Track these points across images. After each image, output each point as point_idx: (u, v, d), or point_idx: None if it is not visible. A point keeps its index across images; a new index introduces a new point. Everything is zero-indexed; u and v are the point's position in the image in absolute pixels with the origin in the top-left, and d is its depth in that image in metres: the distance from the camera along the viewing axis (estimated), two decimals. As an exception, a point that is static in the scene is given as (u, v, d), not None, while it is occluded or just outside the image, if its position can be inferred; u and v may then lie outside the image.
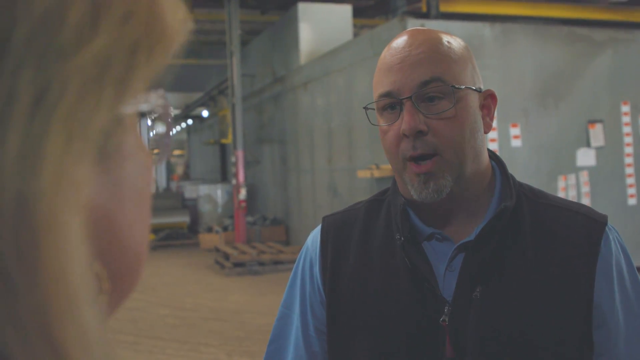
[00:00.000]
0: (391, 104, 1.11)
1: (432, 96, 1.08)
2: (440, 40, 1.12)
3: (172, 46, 0.36)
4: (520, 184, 1.19)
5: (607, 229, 1.12)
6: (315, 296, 1.24)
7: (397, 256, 1.16)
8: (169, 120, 0.42)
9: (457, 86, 1.08)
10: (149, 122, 0.41)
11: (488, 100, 1.17)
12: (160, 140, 0.42)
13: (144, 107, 0.39)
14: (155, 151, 0.42)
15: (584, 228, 1.12)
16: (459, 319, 1.09)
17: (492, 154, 1.21)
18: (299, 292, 1.27)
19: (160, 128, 0.42)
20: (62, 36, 0.29)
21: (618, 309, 1.10)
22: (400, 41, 1.13)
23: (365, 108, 1.18)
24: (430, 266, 1.12)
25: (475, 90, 1.13)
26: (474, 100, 1.12)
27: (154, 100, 0.39)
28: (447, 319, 1.09)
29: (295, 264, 1.30)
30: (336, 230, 1.26)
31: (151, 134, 0.41)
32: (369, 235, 1.22)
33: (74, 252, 0.30)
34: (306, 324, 1.24)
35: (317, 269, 1.24)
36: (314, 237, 1.29)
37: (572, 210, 1.15)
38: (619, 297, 1.10)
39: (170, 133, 0.43)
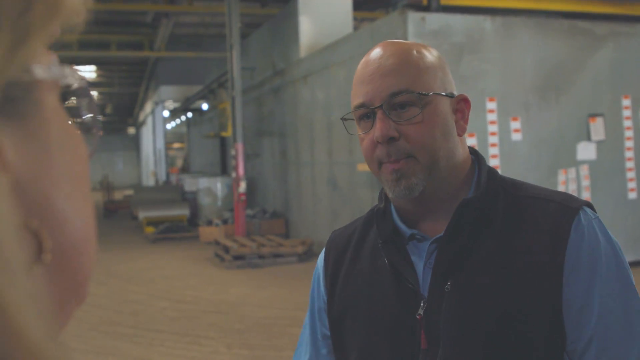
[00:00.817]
0: (366, 114, 1.17)
1: (403, 104, 1.14)
2: (409, 51, 1.18)
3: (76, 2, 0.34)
4: (503, 178, 1.23)
5: (581, 213, 1.13)
6: (321, 303, 1.35)
7: (382, 258, 1.24)
8: (93, 102, 0.39)
9: (423, 93, 1.14)
10: (72, 98, 0.38)
11: (461, 104, 1.22)
12: (88, 124, 0.39)
13: (62, 78, 0.36)
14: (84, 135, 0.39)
15: (554, 215, 1.13)
16: (433, 312, 1.14)
17: (472, 150, 1.26)
18: (310, 301, 1.38)
19: (85, 109, 0.39)
20: None
21: (592, 294, 1.09)
22: (372, 54, 1.20)
23: (343, 119, 1.24)
24: (411, 265, 1.19)
25: (445, 95, 1.18)
26: (445, 105, 1.17)
27: (70, 73, 0.37)
28: (422, 312, 1.15)
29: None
30: (338, 241, 1.36)
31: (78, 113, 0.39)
32: (363, 242, 1.31)
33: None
34: (314, 330, 1.36)
35: (321, 278, 1.35)
36: (323, 250, 1.39)
37: (545, 199, 1.17)
38: (592, 283, 1.09)
39: (96, 110, 0.40)
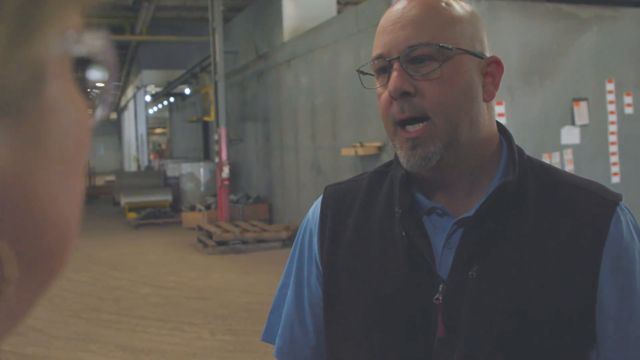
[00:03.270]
0: (383, 66, 1.08)
1: (422, 57, 1.05)
2: (437, 2, 1.08)
3: None
4: (530, 159, 1.14)
5: (618, 209, 1.06)
6: (312, 268, 1.22)
7: (395, 230, 1.12)
8: (111, 67, 0.34)
9: (444, 46, 1.04)
10: (88, 70, 0.33)
11: (492, 67, 1.11)
12: (100, 93, 0.34)
13: (79, 49, 0.31)
14: (94, 106, 0.34)
15: (593, 207, 1.06)
16: (453, 299, 1.05)
17: (499, 126, 1.17)
18: (296, 262, 1.25)
19: (100, 77, 0.34)
20: None
21: (622, 295, 1.03)
22: (398, 4, 1.10)
23: (359, 71, 1.15)
24: (428, 242, 1.08)
25: (473, 54, 1.08)
26: (471, 65, 1.07)
27: (91, 41, 0.32)
28: (440, 298, 1.05)
29: (297, 234, 1.28)
30: (337, 201, 1.22)
31: (89, 84, 0.34)
32: (369, 207, 1.18)
33: None
34: (300, 296, 1.24)
35: (315, 240, 1.22)
36: (314, 208, 1.26)
37: (582, 188, 1.09)
38: (630, 284, 1.04)
39: (112, 83, 0.35)
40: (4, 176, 0.27)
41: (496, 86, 1.11)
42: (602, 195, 1.08)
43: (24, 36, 0.25)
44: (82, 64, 0.32)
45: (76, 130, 0.31)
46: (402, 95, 1.04)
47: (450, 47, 1.05)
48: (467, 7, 1.11)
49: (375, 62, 1.09)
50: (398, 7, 1.09)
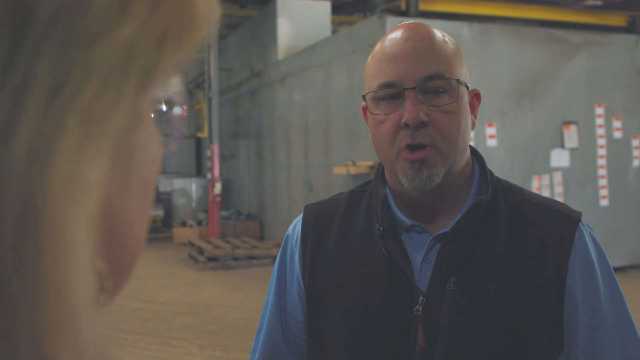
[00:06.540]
0: (391, 94, 1.12)
1: (436, 89, 1.10)
2: (440, 36, 1.15)
3: (201, 34, 0.33)
4: (498, 179, 1.22)
5: (580, 225, 1.15)
6: (294, 285, 1.26)
7: (375, 246, 1.18)
8: (184, 107, 0.39)
9: (460, 81, 1.12)
10: (164, 110, 0.39)
11: (474, 99, 1.20)
12: (173, 129, 0.40)
13: (161, 95, 0.36)
14: (166, 139, 0.40)
15: (558, 224, 1.14)
16: (432, 310, 1.11)
17: (471, 149, 1.24)
18: (276, 280, 1.29)
19: (173, 115, 0.39)
20: (88, 20, 0.26)
21: (588, 302, 1.11)
22: (400, 33, 1.14)
23: (365, 97, 1.18)
24: (407, 257, 1.14)
25: (467, 87, 1.16)
26: (467, 97, 1.16)
27: (171, 87, 0.37)
28: (420, 309, 1.11)
29: (278, 253, 1.33)
30: (317, 219, 1.27)
31: (163, 121, 0.39)
32: (349, 225, 1.24)
33: (79, 262, 0.27)
34: (280, 311, 1.28)
35: (297, 258, 1.26)
36: (295, 226, 1.30)
37: (547, 207, 1.17)
38: (591, 292, 1.12)
39: (184, 121, 0.40)
40: (103, 203, 0.30)
41: (476, 116, 1.20)
42: (566, 212, 1.17)
43: (143, 90, 0.30)
44: (162, 105, 0.38)
45: (153, 161, 0.36)
46: (417, 124, 1.08)
47: (463, 81, 1.12)
48: (453, 40, 1.19)
49: (383, 89, 1.12)
50: (404, 37, 1.13)
